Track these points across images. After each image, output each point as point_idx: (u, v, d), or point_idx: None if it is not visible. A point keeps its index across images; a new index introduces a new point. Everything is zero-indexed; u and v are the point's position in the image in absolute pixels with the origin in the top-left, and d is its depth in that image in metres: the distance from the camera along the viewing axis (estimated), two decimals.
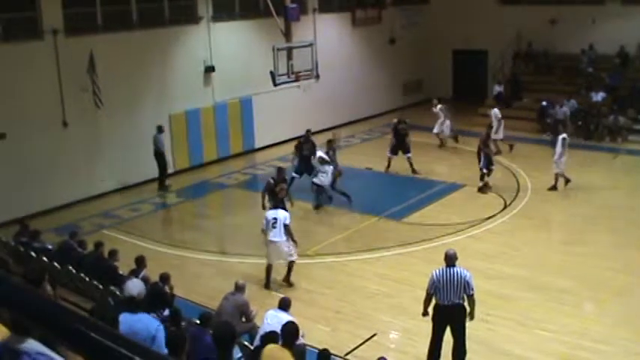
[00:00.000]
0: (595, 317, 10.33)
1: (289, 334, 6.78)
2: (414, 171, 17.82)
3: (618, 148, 20.05)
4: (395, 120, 18.67)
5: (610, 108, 21.39)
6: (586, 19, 23.35)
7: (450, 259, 8.48)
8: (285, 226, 11.29)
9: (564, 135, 16.10)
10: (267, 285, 11.54)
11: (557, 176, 16.09)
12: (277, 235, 11.24)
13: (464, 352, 8.59)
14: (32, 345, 2.76)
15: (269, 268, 11.56)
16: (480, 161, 16.31)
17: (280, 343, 6.76)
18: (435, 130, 20.55)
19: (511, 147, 19.78)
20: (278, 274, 12.31)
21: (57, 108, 15.76)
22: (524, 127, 22.13)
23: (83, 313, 2.34)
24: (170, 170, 18.54)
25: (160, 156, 17.15)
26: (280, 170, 14.52)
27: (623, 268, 11.89)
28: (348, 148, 20.85)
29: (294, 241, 11.49)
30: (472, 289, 8.34)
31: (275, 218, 11.33)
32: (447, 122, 20.55)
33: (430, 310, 8.61)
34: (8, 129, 14.78)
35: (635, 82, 21.89)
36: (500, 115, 19.72)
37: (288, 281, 11.65)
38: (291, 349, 6.69)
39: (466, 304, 8.44)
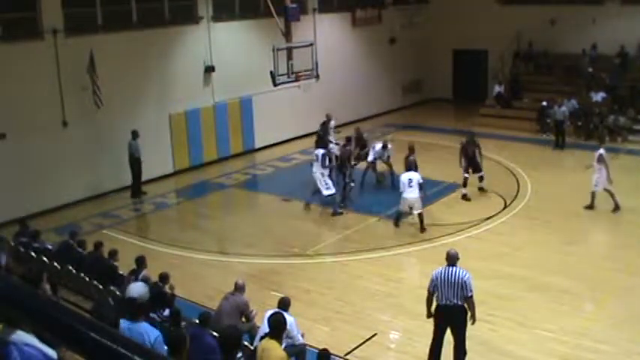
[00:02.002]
0: (595, 317, 10.32)
1: (275, 324, 6.76)
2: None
3: (618, 148, 20.04)
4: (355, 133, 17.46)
5: (610, 108, 21.39)
6: (586, 19, 23.35)
7: (451, 259, 8.49)
8: (420, 185, 13.74)
9: (601, 151, 14.74)
10: (396, 223, 14.25)
11: (594, 194, 14.80)
12: (412, 193, 13.68)
13: (464, 353, 8.58)
14: (21, 336, 2.81)
15: (400, 216, 14.21)
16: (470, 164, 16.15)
17: (268, 334, 6.76)
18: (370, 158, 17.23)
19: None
20: (276, 274, 12.32)
21: (57, 108, 15.75)
22: (524, 127, 22.14)
23: (83, 313, 2.35)
24: (170, 170, 18.56)
25: (135, 162, 16.62)
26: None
27: (624, 268, 11.88)
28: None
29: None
30: (471, 291, 8.30)
31: (410, 179, 13.74)
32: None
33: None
34: (8, 129, 14.78)
35: (635, 82, 21.89)
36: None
37: (423, 229, 13.85)
38: (279, 339, 6.69)
39: (466, 305, 8.43)
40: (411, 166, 14.38)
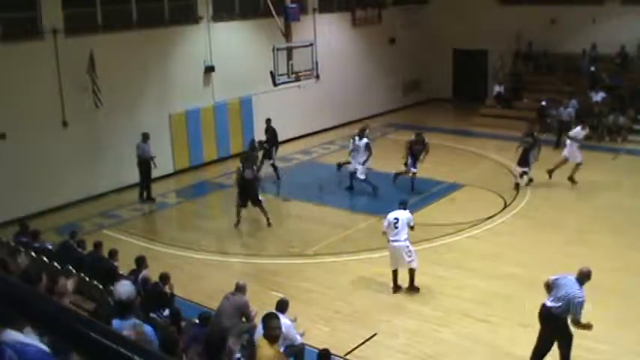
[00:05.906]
0: (595, 317, 10.30)
1: (267, 323, 6.75)
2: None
3: (618, 148, 20.05)
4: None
5: (610, 108, 21.39)
6: (586, 19, 23.35)
7: (582, 275, 8.56)
8: (411, 228, 10.91)
9: None
10: (395, 289, 11.12)
11: None
12: (398, 236, 10.77)
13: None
14: (12, 335, 2.80)
15: (395, 273, 11.06)
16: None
17: (263, 334, 6.77)
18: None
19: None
20: (276, 274, 12.32)
21: (57, 108, 15.75)
22: (524, 128, 22.08)
23: (83, 313, 2.35)
24: (170, 170, 18.54)
25: (145, 164, 16.26)
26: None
27: (624, 268, 11.88)
28: (347, 149, 20.80)
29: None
30: (576, 313, 8.32)
31: (397, 218, 10.78)
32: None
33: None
34: (8, 129, 14.78)
35: (635, 82, 21.89)
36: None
37: (412, 288, 11.11)
38: (272, 338, 6.70)
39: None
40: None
